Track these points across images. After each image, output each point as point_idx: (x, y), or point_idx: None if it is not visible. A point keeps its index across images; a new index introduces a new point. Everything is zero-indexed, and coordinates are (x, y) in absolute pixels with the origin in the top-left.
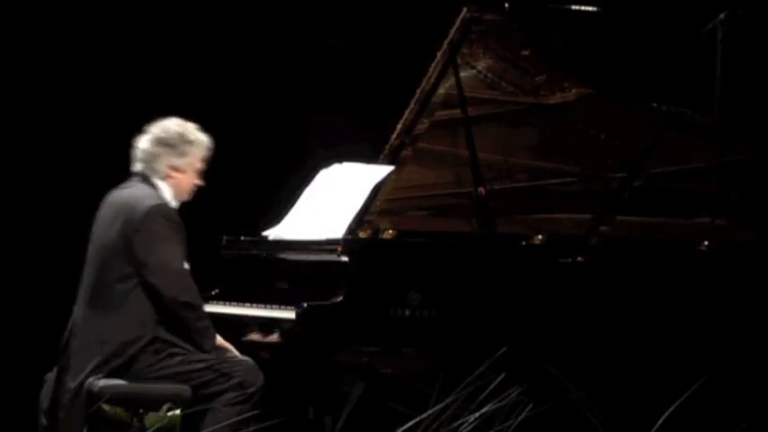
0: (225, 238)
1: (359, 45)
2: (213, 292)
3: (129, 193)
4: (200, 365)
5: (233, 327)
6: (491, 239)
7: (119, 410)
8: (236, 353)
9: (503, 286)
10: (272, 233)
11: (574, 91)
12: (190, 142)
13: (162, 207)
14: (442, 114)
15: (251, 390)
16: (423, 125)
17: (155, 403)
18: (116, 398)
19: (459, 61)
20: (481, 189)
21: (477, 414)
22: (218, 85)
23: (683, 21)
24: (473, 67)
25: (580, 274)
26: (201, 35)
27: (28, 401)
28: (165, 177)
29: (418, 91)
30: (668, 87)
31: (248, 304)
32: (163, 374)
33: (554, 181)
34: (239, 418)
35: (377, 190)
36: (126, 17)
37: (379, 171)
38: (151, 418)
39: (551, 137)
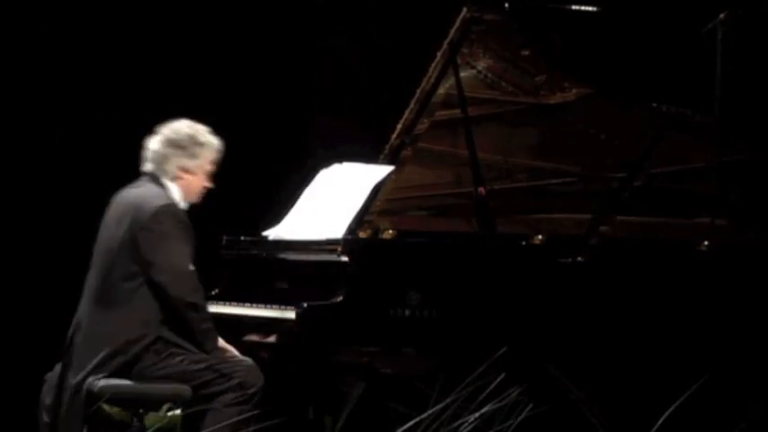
0: (225, 238)
1: (359, 45)
2: (213, 292)
3: (138, 192)
4: (200, 366)
5: (233, 327)
6: (491, 239)
7: (119, 410)
8: (237, 353)
9: (503, 286)
10: (272, 233)
11: (574, 91)
12: (200, 144)
13: (170, 207)
14: (441, 114)
15: (251, 390)
16: (423, 125)
17: (155, 403)
18: (116, 398)
19: (459, 61)
20: (481, 189)
21: (477, 414)
22: (218, 84)
23: (683, 21)
24: (473, 67)
25: (580, 274)
26: (201, 35)
27: (28, 401)
28: (175, 179)
29: (418, 91)
30: (668, 87)
31: (248, 304)
32: (163, 374)
33: (554, 181)
34: (239, 417)
35: (377, 190)
36: (125, 16)
37: (379, 171)
38: (151, 418)
39: (551, 137)
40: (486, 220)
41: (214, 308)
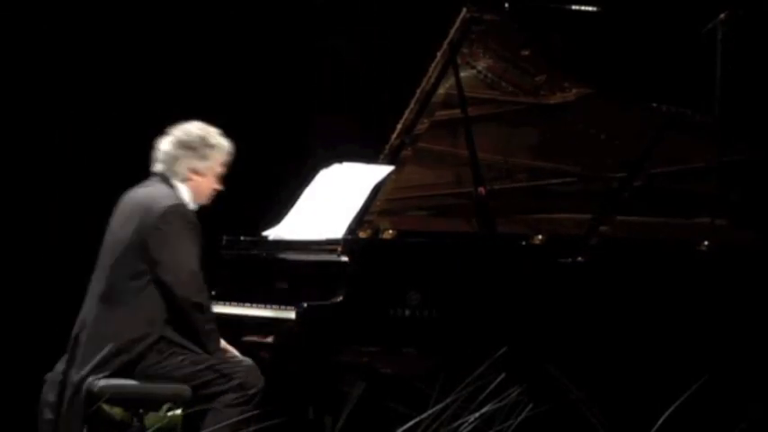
0: (225, 238)
1: (359, 45)
2: (213, 292)
3: (148, 191)
4: (201, 366)
5: (233, 327)
6: (491, 239)
7: (119, 410)
8: (237, 354)
9: (503, 286)
10: (272, 233)
11: (574, 91)
12: (211, 146)
13: (179, 207)
14: (442, 114)
15: (252, 391)
16: (423, 125)
17: (155, 403)
18: (116, 398)
19: (459, 61)
20: (481, 189)
21: (477, 414)
22: (218, 84)
23: (683, 21)
24: (473, 67)
25: (580, 274)
26: (201, 35)
27: (28, 401)
28: (185, 180)
29: (418, 91)
30: (668, 87)
31: (248, 304)
32: (164, 373)
33: (554, 181)
34: (239, 418)
35: (377, 190)
36: (124, 16)
37: (379, 171)
38: (151, 418)
39: (551, 137)
40: (486, 220)
41: (214, 308)
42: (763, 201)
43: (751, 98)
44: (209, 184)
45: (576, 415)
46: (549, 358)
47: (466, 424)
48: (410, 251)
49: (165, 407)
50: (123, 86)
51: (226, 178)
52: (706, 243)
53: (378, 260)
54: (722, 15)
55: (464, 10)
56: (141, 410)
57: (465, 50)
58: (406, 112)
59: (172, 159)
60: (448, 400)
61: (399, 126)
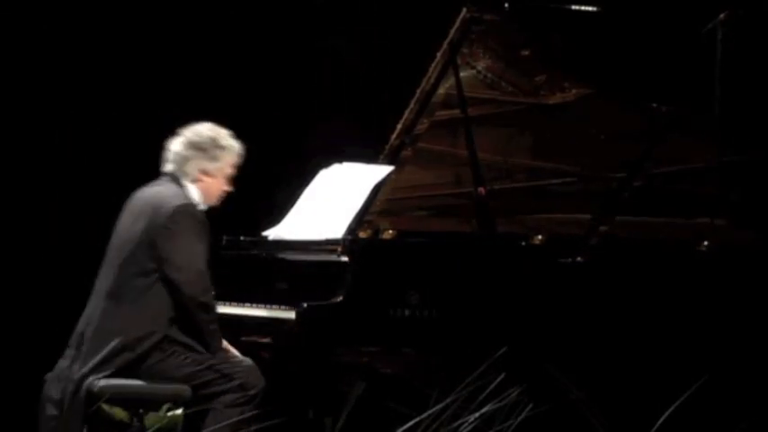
0: (225, 238)
1: (359, 45)
2: (213, 293)
3: (157, 191)
4: (202, 366)
5: (233, 327)
6: (491, 239)
7: (119, 410)
8: (238, 354)
9: (503, 286)
10: (272, 233)
11: (574, 91)
12: (222, 147)
13: (189, 206)
14: (441, 114)
15: (252, 392)
16: (423, 125)
17: (155, 403)
18: (116, 398)
19: (459, 61)
20: (481, 189)
21: (477, 414)
22: (218, 85)
23: (683, 21)
24: (473, 67)
25: (580, 274)
26: (201, 35)
27: (28, 401)
28: (195, 181)
29: (418, 91)
30: (668, 87)
31: (248, 304)
32: (165, 372)
33: (554, 181)
34: (240, 418)
35: (377, 190)
36: (123, 16)
37: (379, 171)
38: (151, 418)
39: (551, 137)
40: (486, 220)
41: None
42: (763, 201)
43: (751, 98)
44: (218, 185)
45: (575, 415)
46: (549, 358)
47: (466, 424)
48: (410, 251)
49: (165, 407)
50: (122, 85)
51: (232, 179)
52: (706, 243)
53: (378, 260)
54: (722, 15)
55: (464, 10)
56: (141, 410)
57: (465, 50)
58: (406, 112)
59: (182, 160)
60: (448, 400)
61: (399, 126)
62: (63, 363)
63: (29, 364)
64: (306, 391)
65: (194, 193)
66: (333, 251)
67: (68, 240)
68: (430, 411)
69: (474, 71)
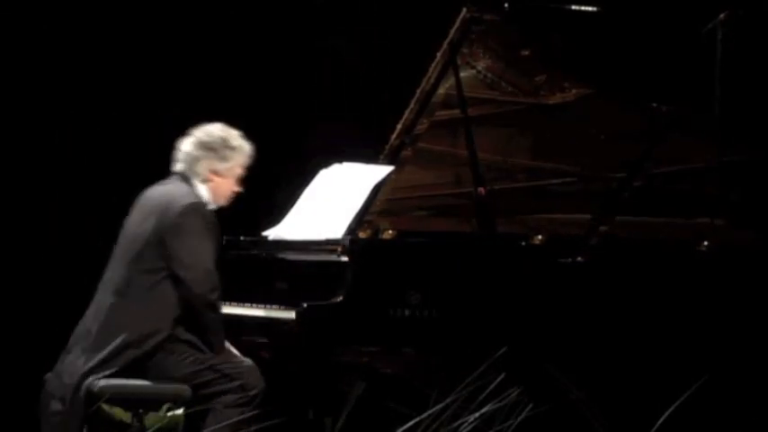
0: (225, 238)
1: (359, 45)
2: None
3: (167, 189)
4: (202, 365)
5: (233, 327)
6: (491, 239)
7: (119, 410)
8: (239, 355)
9: (503, 286)
10: (272, 233)
11: (574, 91)
12: (232, 148)
13: (199, 205)
14: (441, 114)
15: (252, 392)
16: (423, 125)
17: (155, 403)
18: (116, 398)
19: (459, 61)
20: (481, 189)
21: (477, 414)
22: (218, 85)
23: (683, 21)
24: (473, 67)
25: (580, 274)
26: (201, 35)
27: (28, 401)
28: (205, 181)
29: (418, 91)
30: (668, 87)
31: (248, 304)
32: (166, 370)
33: (554, 181)
34: (240, 418)
35: (377, 190)
36: (123, 16)
37: (379, 171)
38: (151, 418)
39: (551, 137)
40: (486, 220)
41: None
42: (763, 201)
43: (751, 98)
44: (228, 185)
45: (576, 415)
46: (549, 358)
47: (466, 424)
48: (410, 251)
49: (165, 407)
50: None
51: (242, 179)
52: (706, 243)
53: (378, 260)
54: (722, 15)
55: (464, 10)
56: (141, 410)
57: (465, 50)
58: (406, 113)
59: (192, 160)
60: (448, 400)
61: (399, 126)
62: (67, 358)
63: (29, 364)
64: (306, 391)
65: (204, 192)
66: (333, 251)
67: (69, 240)
68: (430, 411)
69: (474, 71)
